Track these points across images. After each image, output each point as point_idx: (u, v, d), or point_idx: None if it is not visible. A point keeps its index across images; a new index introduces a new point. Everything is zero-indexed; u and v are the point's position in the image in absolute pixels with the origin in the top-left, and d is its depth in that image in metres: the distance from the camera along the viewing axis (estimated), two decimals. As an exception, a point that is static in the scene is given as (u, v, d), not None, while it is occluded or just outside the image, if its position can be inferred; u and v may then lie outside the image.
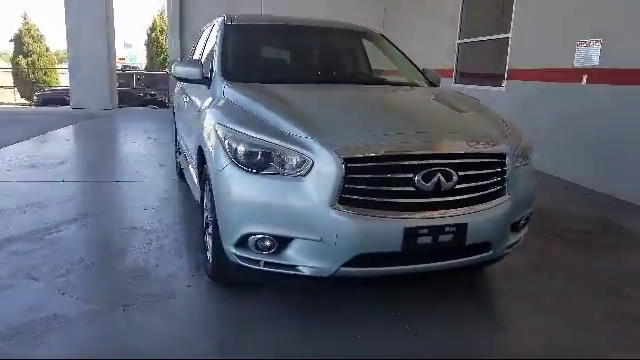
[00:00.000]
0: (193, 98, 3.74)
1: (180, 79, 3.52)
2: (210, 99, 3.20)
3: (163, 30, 24.55)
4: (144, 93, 15.75)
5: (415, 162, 2.31)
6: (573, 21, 6.04)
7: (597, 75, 5.67)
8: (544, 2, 6.65)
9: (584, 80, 5.87)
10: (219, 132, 2.57)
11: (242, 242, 2.41)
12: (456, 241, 2.39)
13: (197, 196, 3.46)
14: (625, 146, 5.23)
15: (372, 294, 2.87)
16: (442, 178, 2.32)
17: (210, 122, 2.78)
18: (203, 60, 4.14)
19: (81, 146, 8.14)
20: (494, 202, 2.49)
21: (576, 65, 5.98)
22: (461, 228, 2.37)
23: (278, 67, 3.96)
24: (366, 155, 2.27)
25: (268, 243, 2.37)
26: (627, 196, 5.21)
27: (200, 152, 3.05)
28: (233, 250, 2.46)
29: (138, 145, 7.84)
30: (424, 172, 2.29)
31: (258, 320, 2.57)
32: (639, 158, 5.08)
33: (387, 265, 2.38)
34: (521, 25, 7.19)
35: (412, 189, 2.30)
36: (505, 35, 7.53)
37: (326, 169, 2.24)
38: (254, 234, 2.36)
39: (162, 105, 15.31)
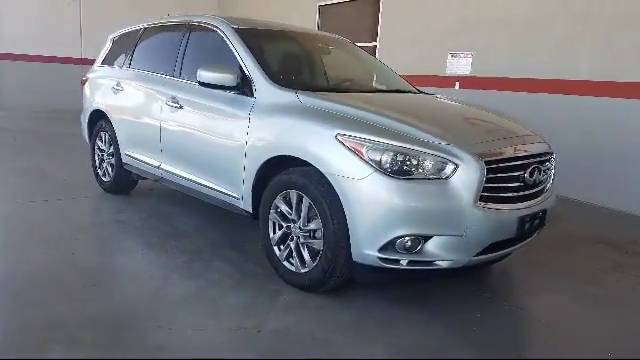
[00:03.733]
0: (211, 105, 3.46)
1: (204, 85, 3.30)
2: (262, 107, 3.13)
3: None
4: None
5: (524, 161, 2.80)
6: (441, 36, 7.21)
7: (466, 82, 6.93)
8: (405, 16, 7.71)
9: (457, 86, 7.09)
10: (348, 142, 2.63)
11: (388, 245, 2.56)
12: (540, 223, 2.96)
13: (243, 208, 3.29)
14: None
15: (434, 286, 3.25)
16: (537, 173, 2.85)
17: (317, 132, 2.78)
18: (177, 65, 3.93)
19: None
20: (551, 190, 3.13)
21: (448, 73, 7.18)
22: (544, 213, 2.95)
23: (319, 76, 3.96)
24: (499, 157, 2.68)
25: (412, 243, 2.57)
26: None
27: (267, 163, 3.02)
28: (376, 254, 2.57)
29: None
30: (530, 169, 2.80)
31: (387, 318, 2.74)
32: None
33: (501, 249, 2.81)
34: (387, 36, 8.19)
35: (521, 184, 2.78)
36: (373, 43, 8.46)
37: (470, 171, 2.54)
38: (403, 236, 2.54)
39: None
